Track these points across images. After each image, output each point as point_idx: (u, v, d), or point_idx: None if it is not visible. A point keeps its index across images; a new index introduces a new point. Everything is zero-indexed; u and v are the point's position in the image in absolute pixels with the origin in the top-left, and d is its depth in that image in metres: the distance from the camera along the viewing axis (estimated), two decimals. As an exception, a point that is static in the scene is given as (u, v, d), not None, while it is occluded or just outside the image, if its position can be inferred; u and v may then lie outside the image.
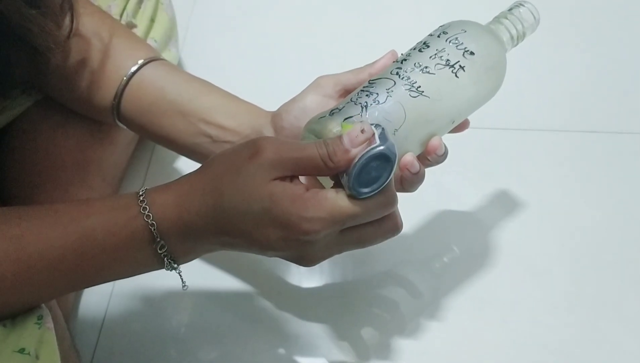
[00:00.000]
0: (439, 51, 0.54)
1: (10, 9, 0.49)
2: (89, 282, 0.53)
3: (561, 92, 0.89)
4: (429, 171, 0.56)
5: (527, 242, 0.75)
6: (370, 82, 0.55)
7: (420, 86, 0.53)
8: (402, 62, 0.55)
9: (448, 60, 0.54)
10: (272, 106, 0.64)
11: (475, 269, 0.73)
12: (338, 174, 0.49)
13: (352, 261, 0.74)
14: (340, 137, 0.48)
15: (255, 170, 0.48)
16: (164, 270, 0.52)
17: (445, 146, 0.55)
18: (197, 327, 0.71)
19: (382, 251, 0.71)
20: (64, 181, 0.72)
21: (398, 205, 0.50)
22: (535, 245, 0.75)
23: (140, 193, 0.50)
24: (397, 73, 0.54)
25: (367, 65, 0.59)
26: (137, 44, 0.67)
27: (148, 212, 0.49)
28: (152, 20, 0.79)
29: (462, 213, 0.77)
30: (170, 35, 0.82)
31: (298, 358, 0.68)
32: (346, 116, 0.52)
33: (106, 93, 0.64)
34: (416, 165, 0.53)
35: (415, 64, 0.54)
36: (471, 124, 0.59)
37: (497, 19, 0.59)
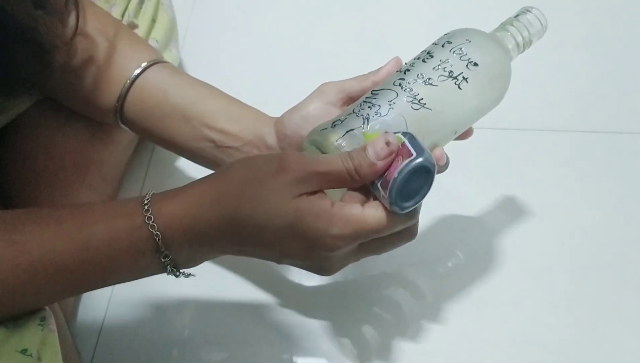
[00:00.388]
0: (443, 62, 0.54)
1: (16, 8, 0.49)
2: (90, 287, 0.53)
3: (561, 92, 0.89)
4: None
5: (527, 242, 0.75)
6: (373, 92, 0.54)
7: (422, 98, 0.53)
8: (405, 73, 0.54)
9: (451, 72, 0.54)
10: (272, 106, 0.64)
11: (475, 269, 0.73)
12: (368, 185, 0.49)
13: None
14: (365, 148, 0.47)
15: (281, 186, 0.47)
16: (164, 270, 0.53)
17: (447, 157, 0.55)
18: (197, 327, 0.71)
19: (382, 251, 0.71)
20: (64, 181, 0.72)
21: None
22: (535, 244, 0.75)
23: (145, 202, 0.50)
24: (400, 84, 0.54)
25: (370, 72, 0.59)
26: (141, 46, 0.67)
27: (153, 222, 0.49)
28: (154, 20, 0.79)
29: (462, 213, 0.77)
30: (171, 35, 0.82)
31: (299, 359, 0.68)
32: (348, 129, 0.52)
33: (109, 95, 0.64)
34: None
35: (418, 75, 0.54)
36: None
37: (502, 26, 0.58)
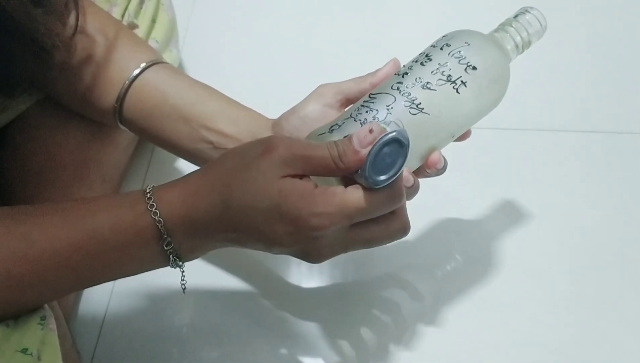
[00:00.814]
0: (441, 66, 0.54)
1: (16, 7, 0.49)
2: (95, 280, 0.53)
3: (561, 92, 0.89)
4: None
5: (527, 242, 0.75)
6: (371, 96, 0.54)
7: (420, 103, 0.53)
8: (403, 76, 0.54)
9: (450, 75, 0.53)
10: (271, 106, 0.64)
11: (475, 269, 0.73)
12: (348, 175, 0.49)
13: (353, 262, 0.74)
14: (350, 137, 0.48)
15: (266, 166, 0.48)
16: (164, 270, 0.53)
17: (444, 160, 0.56)
18: (197, 326, 0.71)
19: (381, 252, 0.71)
20: (64, 181, 0.72)
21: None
22: (535, 244, 0.75)
23: (148, 191, 0.50)
24: (398, 88, 0.53)
25: (368, 74, 0.59)
26: (140, 47, 0.67)
27: (155, 209, 0.49)
28: (154, 20, 0.79)
29: (462, 213, 0.77)
30: (171, 36, 0.82)
31: (298, 359, 0.69)
32: (345, 134, 0.52)
33: (108, 95, 0.64)
34: (411, 180, 0.53)
35: (416, 78, 0.54)
36: (471, 124, 0.59)
37: (502, 27, 0.58)
